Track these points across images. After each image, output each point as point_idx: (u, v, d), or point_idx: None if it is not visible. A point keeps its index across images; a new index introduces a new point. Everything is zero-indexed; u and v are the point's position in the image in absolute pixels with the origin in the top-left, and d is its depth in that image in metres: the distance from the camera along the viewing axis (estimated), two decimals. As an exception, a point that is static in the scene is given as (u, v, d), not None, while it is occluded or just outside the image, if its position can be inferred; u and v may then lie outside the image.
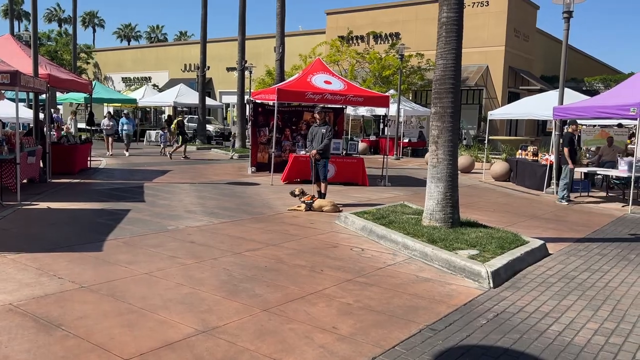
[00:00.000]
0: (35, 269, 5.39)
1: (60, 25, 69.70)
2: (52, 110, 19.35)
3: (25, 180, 11.06)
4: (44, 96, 12.51)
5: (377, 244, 7.13)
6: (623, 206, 11.30)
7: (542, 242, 6.99)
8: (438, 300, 4.96)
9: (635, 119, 11.20)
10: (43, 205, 9.06)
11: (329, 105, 14.37)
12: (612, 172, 12.40)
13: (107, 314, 4.30)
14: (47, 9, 72.90)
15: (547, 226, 8.93)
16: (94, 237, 6.87)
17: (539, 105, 15.50)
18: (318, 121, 10.29)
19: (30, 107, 15.41)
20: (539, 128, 31.37)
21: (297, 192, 9.65)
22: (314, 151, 10.08)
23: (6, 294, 4.64)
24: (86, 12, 74.12)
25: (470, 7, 28.41)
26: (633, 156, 12.43)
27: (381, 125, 30.44)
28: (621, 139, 16.54)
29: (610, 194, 12.97)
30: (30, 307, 4.36)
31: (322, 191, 10.21)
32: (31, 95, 14.15)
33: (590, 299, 5.18)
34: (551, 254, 6.91)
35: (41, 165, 11.93)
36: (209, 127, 29.88)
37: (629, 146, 16.46)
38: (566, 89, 14.27)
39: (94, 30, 76.01)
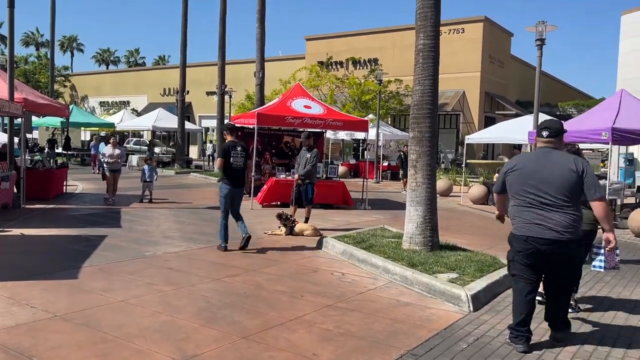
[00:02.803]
0: (7, 298, 5.22)
1: (37, 49, 69.09)
2: (95, 139, 15.02)
3: (-2, 206, 10.82)
4: (19, 120, 12.32)
5: (357, 268, 7.10)
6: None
7: (520, 264, 7.04)
8: (419, 325, 4.95)
9: (607, 143, 11.50)
10: (16, 231, 8.84)
11: (309, 130, 14.46)
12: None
13: (81, 343, 4.18)
14: (25, 33, 72.13)
15: (525, 249, 9.01)
16: (68, 264, 6.71)
17: (514, 130, 15.83)
18: (306, 146, 10.38)
19: (5, 131, 15.17)
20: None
21: (283, 217, 9.53)
22: (296, 175, 10.18)
23: (-25, 325, 4.49)
24: (65, 36, 73.60)
25: (446, 34, 29.07)
26: (606, 179, 12.70)
27: (361, 149, 30.71)
28: (594, 163, 16.92)
29: (585, 217, 13.18)
30: (1, 338, 4.22)
31: (306, 215, 10.20)
32: (6, 119, 13.95)
33: (569, 321, 5.20)
34: (529, 277, 6.95)
35: (15, 190, 11.68)
36: (157, 150, 28.83)
37: (602, 169, 16.85)
38: (540, 114, 14.61)
39: (72, 55, 75.42)
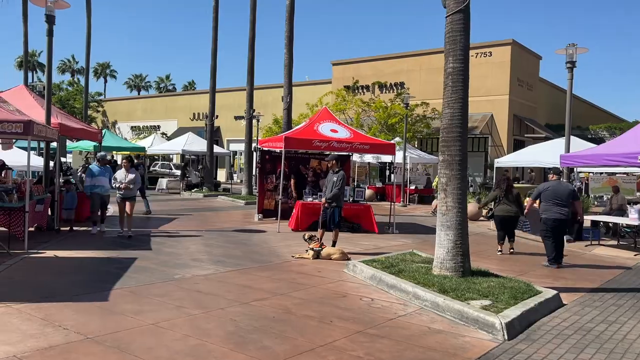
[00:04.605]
0: (40, 319, 5.30)
1: (72, 76, 71.59)
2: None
3: (32, 228, 11.06)
4: (54, 144, 12.66)
5: (387, 294, 6.99)
6: (635, 255, 11.13)
7: (555, 292, 6.85)
8: (452, 354, 4.82)
9: (643, 167, 11.18)
10: (50, 253, 9.02)
11: (335, 153, 14.48)
12: (622, 220, 12.27)
13: (112, 366, 4.19)
14: (61, 60, 74.95)
15: (558, 275, 8.77)
16: (100, 286, 6.79)
17: (545, 153, 15.58)
18: (334, 168, 10.37)
19: (41, 155, 15.61)
20: (545, 176, 31.37)
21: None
22: (323, 199, 10.16)
23: (9, 346, 4.55)
24: (99, 63, 76.04)
25: (474, 57, 28.93)
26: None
27: (387, 172, 30.56)
28: (630, 187, 16.46)
29: (621, 242, 12.79)
30: (34, 360, 4.27)
31: (333, 239, 10.14)
32: (42, 143, 14.36)
33: (609, 352, 5.01)
34: (565, 305, 6.75)
35: (49, 213, 11.95)
36: (178, 173, 30.06)
37: (637, 194, 16.36)
38: (572, 137, 14.36)
39: (106, 81, 77.83)
